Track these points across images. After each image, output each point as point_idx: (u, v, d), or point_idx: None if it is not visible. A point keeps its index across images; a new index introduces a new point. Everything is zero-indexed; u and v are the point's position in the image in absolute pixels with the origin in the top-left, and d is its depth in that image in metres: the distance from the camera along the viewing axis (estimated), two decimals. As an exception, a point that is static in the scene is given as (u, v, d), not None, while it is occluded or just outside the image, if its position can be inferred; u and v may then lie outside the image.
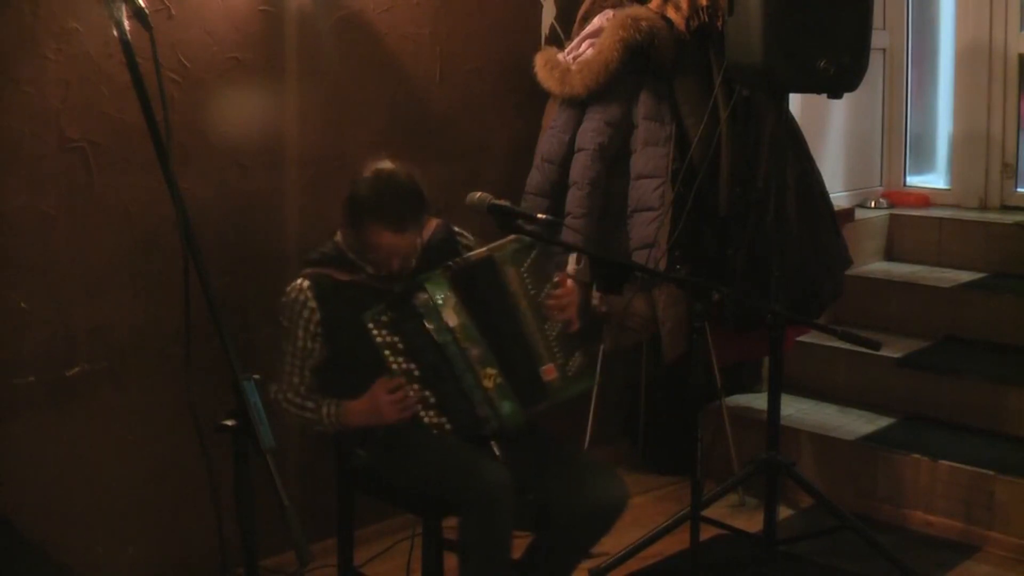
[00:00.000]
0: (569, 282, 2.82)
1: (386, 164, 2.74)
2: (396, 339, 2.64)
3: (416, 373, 2.65)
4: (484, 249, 2.78)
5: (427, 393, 2.66)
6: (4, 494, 2.79)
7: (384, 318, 2.63)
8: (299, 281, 2.74)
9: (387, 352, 2.63)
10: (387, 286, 2.72)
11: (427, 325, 2.64)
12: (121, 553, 3.10)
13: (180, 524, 3.18)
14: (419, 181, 2.73)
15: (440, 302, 2.66)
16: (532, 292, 2.77)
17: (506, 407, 2.68)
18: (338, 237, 2.81)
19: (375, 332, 2.63)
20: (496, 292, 2.74)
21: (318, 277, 2.73)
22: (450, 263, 2.75)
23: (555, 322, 2.78)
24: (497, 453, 2.71)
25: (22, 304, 2.85)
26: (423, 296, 2.65)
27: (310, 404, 2.73)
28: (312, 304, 2.70)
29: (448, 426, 2.66)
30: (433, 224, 2.88)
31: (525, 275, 2.76)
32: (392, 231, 2.66)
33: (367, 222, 2.67)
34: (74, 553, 2.93)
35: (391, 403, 2.63)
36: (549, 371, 2.74)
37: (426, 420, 2.66)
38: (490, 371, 2.68)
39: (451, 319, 2.66)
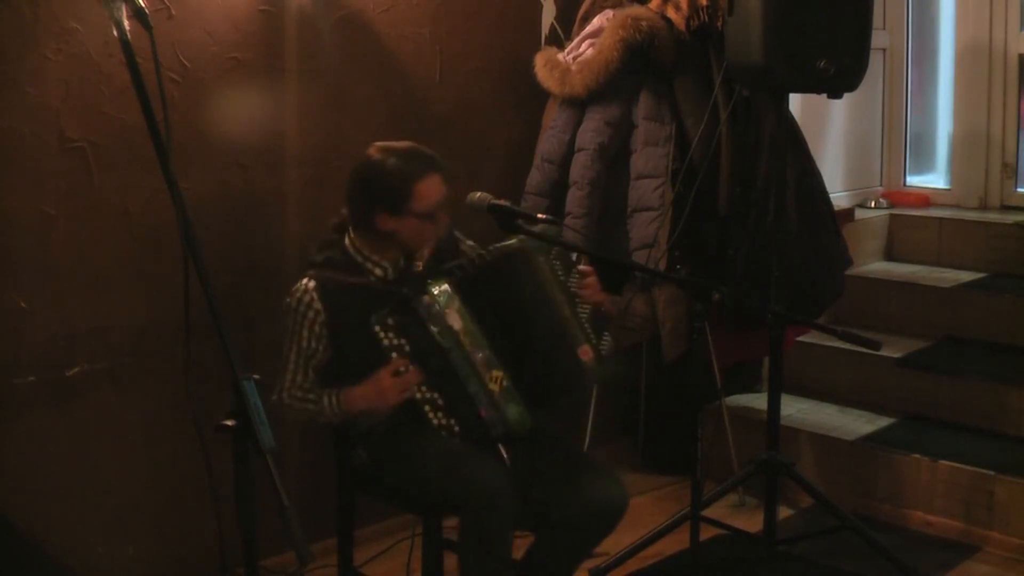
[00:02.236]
0: (588, 268, 2.83)
1: (373, 146, 2.76)
2: (403, 342, 2.64)
3: (423, 377, 2.65)
4: (515, 241, 2.76)
5: (435, 395, 2.65)
6: (4, 494, 2.79)
7: (390, 321, 2.63)
8: (304, 282, 2.72)
9: (394, 355, 2.63)
10: (393, 288, 2.72)
11: (431, 328, 2.64)
12: (121, 553, 3.10)
13: (180, 524, 3.18)
14: None
15: (443, 305, 2.65)
16: (562, 278, 2.77)
17: (512, 411, 2.67)
18: (346, 241, 2.78)
19: (382, 335, 2.62)
20: (522, 284, 2.73)
21: (324, 278, 2.71)
22: (455, 265, 2.75)
23: (585, 305, 2.78)
24: (505, 456, 2.71)
25: (22, 304, 2.85)
26: (426, 299, 2.64)
27: (312, 396, 2.72)
28: (317, 306, 2.68)
29: (456, 428, 2.65)
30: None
31: (555, 262, 2.77)
32: (442, 177, 2.70)
33: (416, 179, 2.67)
34: (74, 553, 2.93)
35: (393, 386, 2.61)
36: (585, 352, 2.73)
37: (435, 422, 2.65)
38: (496, 374, 2.66)
39: (455, 322, 2.65)
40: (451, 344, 2.64)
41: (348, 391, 2.68)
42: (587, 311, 2.79)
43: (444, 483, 2.63)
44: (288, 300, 2.73)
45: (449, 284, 2.67)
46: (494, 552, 2.60)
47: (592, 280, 2.80)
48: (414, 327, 2.64)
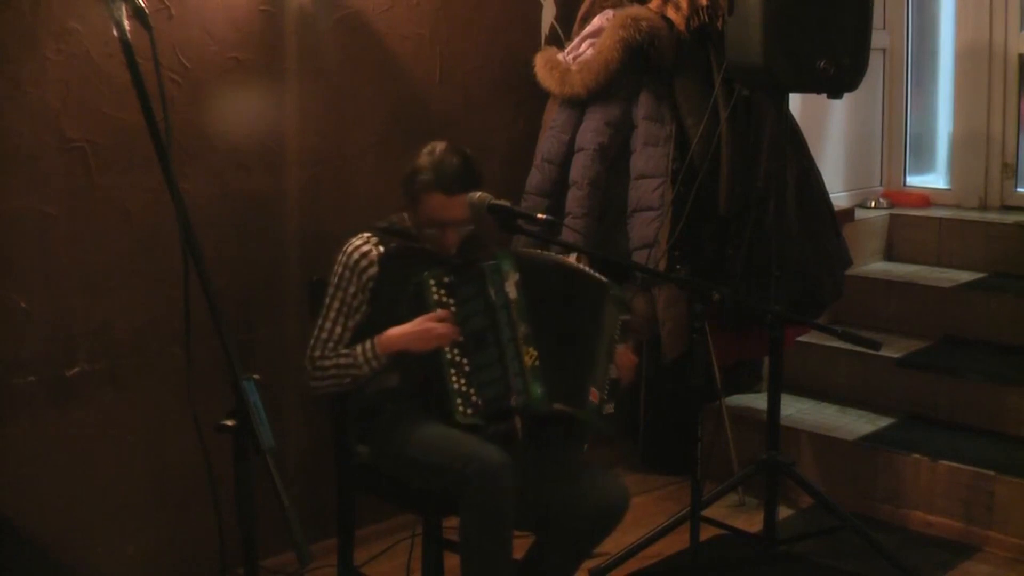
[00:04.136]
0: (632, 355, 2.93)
1: (441, 142, 2.85)
2: (451, 301, 2.70)
3: (460, 339, 2.69)
4: (604, 279, 2.86)
5: (464, 361, 2.69)
6: (4, 494, 2.79)
7: (446, 279, 2.71)
8: (367, 235, 2.81)
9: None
10: (455, 259, 2.80)
11: (489, 289, 2.71)
12: (121, 553, 3.10)
13: (180, 524, 3.18)
14: (472, 156, 2.86)
15: (505, 273, 2.73)
16: (616, 336, 2.85)
17: (537, 389, 2.70)
18: (405, 215, 2.88)
19: (433, 290, 2.69)
20: (584, 308, 2.82)
21: (384, 236, 2.81)
22: (519, 251, 2.90)
23: (614, 368, 2.84)
24: (519, 429, 2.73)
25: (22, 304, 2.85)
26: (491, 263, 2.73)
27: (344, 351, 2.75)
28: (373, 256, 2.76)
29: (474, 397, 2.67)
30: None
31: (618, 320, 2.86)
32: (443, 193, 2.74)
33: (420, 191, 2.77)
34: (74, 553, 2.93)
35: (435, 329, 2.66)
36: (594, 394, 2.78)
37: (455, 386, 2.67)
38: (532, 351, 2.72)
39: (511, 291, 2.73)
40: (501, 307, 2.72)
41: (384, 333, 2.71)
42: (613, 373, 2.84)
43: (445, 469, 2.61)
44: (344, 248, 2.80)
45: (514, 261, 2.76)
46: (496, 537, 2.59)
47: (630, 355, 2.89)
48: (470, 285, 2.72)
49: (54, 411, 2.94)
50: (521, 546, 2.82)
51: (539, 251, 3.02)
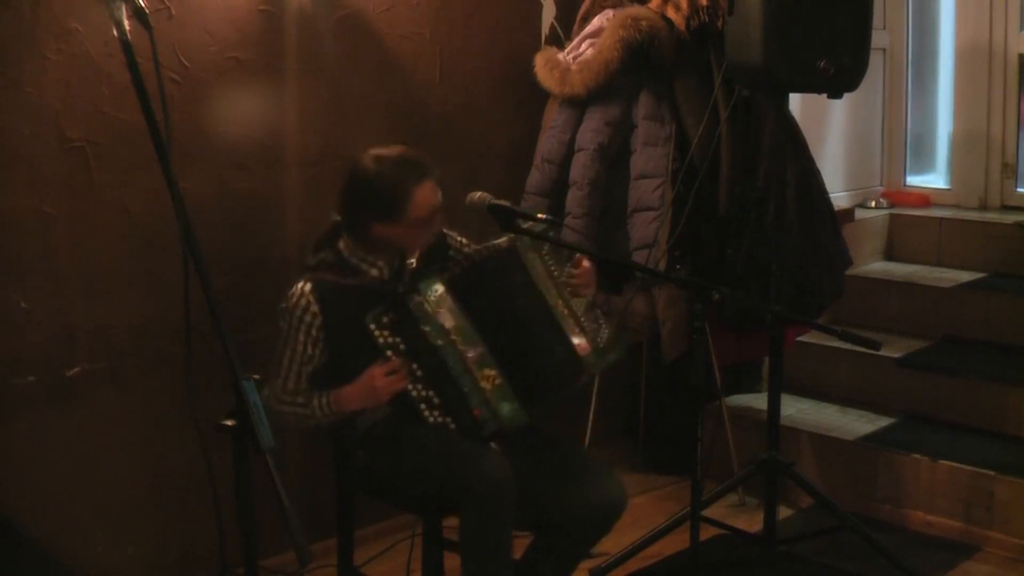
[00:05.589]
0: (584, 260, 2.83)
1: (367, 151, 2.76)
2: (398, 340, 2.65)
3: (419, 373, 2.66)
4: (504, 239, 2.77)
5: (431, 393, 2.66)
6: (4, 494, 2.79)
7: (385, 319, 2.64)
8: (300, 285, 2.71)
9: (390, 353, 2.64)
10: (388, 288, 2.73)
11: (423, 328, 2.65)
12: (121, 553, 3.10)
13: (180, 524, 3.18)
14: None
15: (435, 303, 2.66)
16: (555, 272, 2.78)
17: (505, 408, 2.67)
18: (340, 244, 2.78)
19: (378, 334, 2.64)
20: (513, 281, 2.74)
21: (319, 281, 2.72)
22: (449, 263, 2.77)
23: (581, 298, 2.79)
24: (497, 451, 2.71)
25: (22, 304, 2.86)
26: (417, 299, 2.65)
27: (300, 400, 2.72)
28: (315, 308, 2.68)
29: (452, 426, 2.66)
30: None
31: (547, 258, 2.78)
32: (435, 183, 2.70)
33: (410, 191, 2.66)
34: (74, 553, 2.93)
35: (385, 384, 2.62)
36: (582, 346, 2.74)
37: (431, 420, 2.66)
38: (488, 372, 2.67)
39: (447, 321, 2.66)
40: (443, 343, 2.65)
41: (339, 391, 2.68)
42: (583, 304, 2.79)
43: (446, 476, 2.62)
44: (284, 304, 2.73)
45: (441, 283, 2.68)
46: (497, 543, 2.60)
47: (583, 271, 2.81)
48: (408, 325, 2.65)
49: (54, 411, 2.94)
50: (520, 546, 2.82)
51: (473, 250, 2.84)
